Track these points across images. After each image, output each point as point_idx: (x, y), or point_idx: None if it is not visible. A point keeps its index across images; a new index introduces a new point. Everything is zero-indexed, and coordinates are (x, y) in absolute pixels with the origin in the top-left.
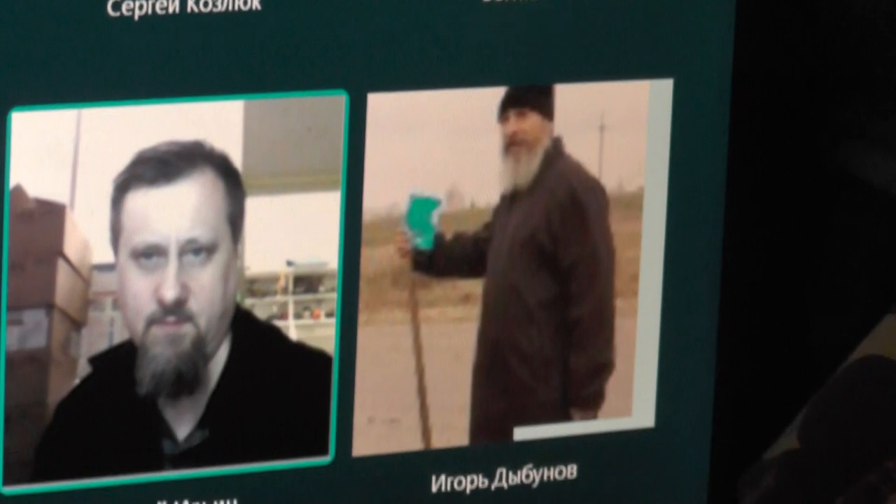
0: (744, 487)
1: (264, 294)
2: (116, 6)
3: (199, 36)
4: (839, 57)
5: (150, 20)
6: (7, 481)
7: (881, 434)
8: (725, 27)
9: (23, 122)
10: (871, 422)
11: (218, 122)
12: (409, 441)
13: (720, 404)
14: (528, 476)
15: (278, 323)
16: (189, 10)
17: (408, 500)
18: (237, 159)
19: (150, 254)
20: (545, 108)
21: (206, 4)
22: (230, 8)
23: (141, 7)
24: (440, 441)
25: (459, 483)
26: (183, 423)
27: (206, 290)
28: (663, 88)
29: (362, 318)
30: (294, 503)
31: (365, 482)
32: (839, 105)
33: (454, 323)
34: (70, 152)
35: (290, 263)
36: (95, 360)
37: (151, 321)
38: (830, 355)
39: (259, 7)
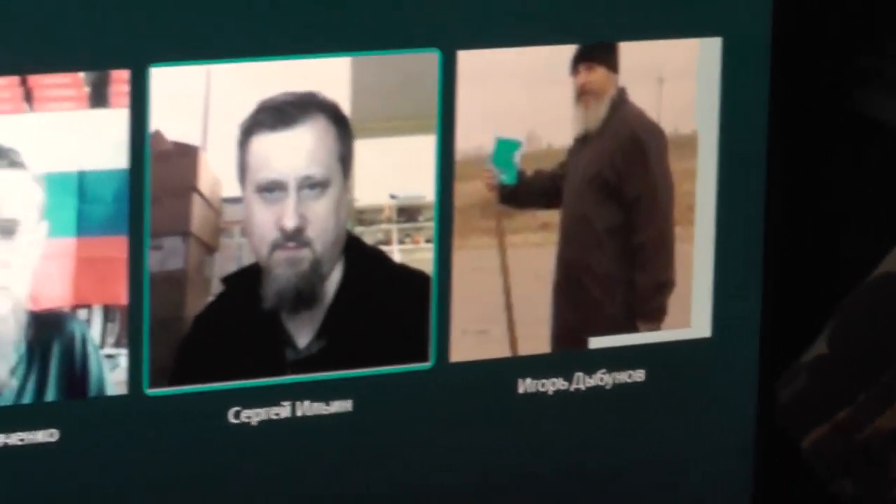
0: (780, 388)
1: (371, 223)
2: None
3: (315, 1)
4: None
5: None
6: (151, 385)
7: None
8: None
9: (161, 76)
10: (890, 329)
11: (329, 75)
12: (497, 349)
13: (766, 315)
14: (601, 380)
15: (384, 248)
16: None
17: (498, 400)
18: (346, 107)
19: (272, 188)
20: (611, 62)
21: None
22: None
23: None
24: (525, 349)
25: (542, 385)
26: (302, 334)
27: (320, 219)
28: (713, 45)
29: (456, 243)
30: (400, 403)
31: (460, 385)
32: (858, 54)
33: (535, 247)
34: (202, 102)
35: (393, 197)
36: (226, 280)
37: (274, 246)
38: (858, 271)
39: None
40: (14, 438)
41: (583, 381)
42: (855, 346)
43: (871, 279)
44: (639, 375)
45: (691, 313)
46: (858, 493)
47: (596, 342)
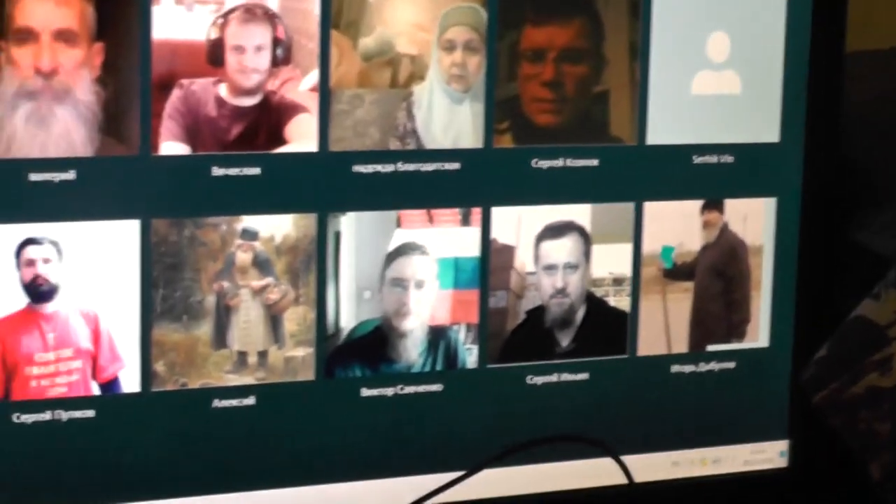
0: (802, 372)
1: (599, 286)
2: None
3: None
4: None
5: None
6: (489, 362)
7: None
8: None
9: (496, 213)
10: (853, 350)
11: (579, 213)
12: (661, 349)
13: (796, 337)
14: (712, 367)
15: (605, 298)
16: None
17: (659, 378)
18: (588, 228)
19: (550, 269)
20: (720, 209)
21: None
22: None
23: None
24: (675, 349)
25: (683, 368)
26: (564, 340)
27: (574, 284)
28: (771, 202)
29: (642, 297)
30: (606, 379)
31: (641, 368)
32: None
33: (681, 301)
34: (516, 223)
35: (610, 273)
36: (528, 312)
37: (551, 297)
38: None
39: None
40: (408, 390)
41: (702, 367)
42: (837, 354)
43: (848, 319)
44: (730, 365)
45: (759, 333)
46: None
47: (709, 348)
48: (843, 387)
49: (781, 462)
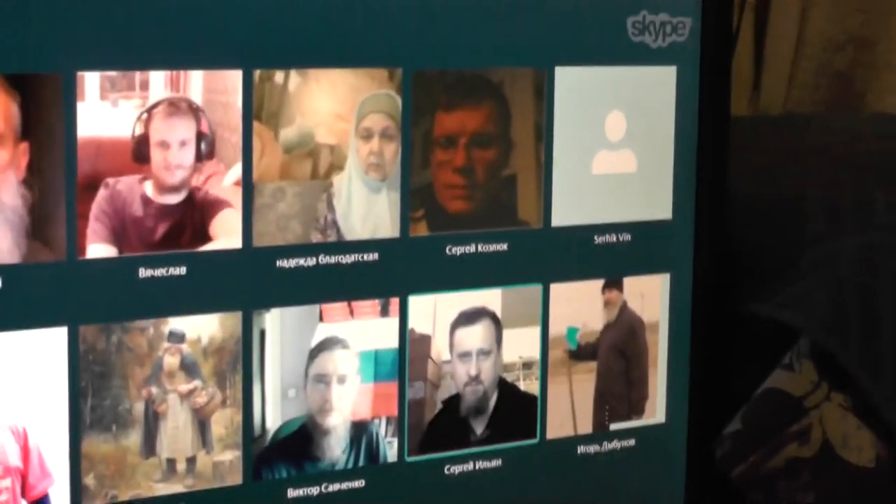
0: (716, 447)
1: (510, 371)
2: None
3: None
4: None
5: None
6: (409, 454)
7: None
8: None
9: (414, 302)
10: (768, 421)
11: (490, 299)
12: (568, 431)
13: (693, 410)
14: (616, 445)
15: (516, 383)
16: None
17: (566, 462)
18: (499, 314)
19: (464, 356)
20: (620, 287)
21: None
22: None
23: None
24: (581, 430)
25: (589, 449)
26: (479, 427)
27: (488, 370)
28: (666, 279)
29: (550, 379)
30: (517, 464)
31: (550, 451)
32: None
33: (586, 381)
34: (432, 315)
35: (520, 357)
36: (444, 402)
37: (466, 384)
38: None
39: None
40: (333, 487)
41: (606, 447)
42: (752, 427)
43: (759, 392)
44: (631, 442)
45: (656, 409)
46: None
47: (614, 426)
48: (761, 460)
49: None
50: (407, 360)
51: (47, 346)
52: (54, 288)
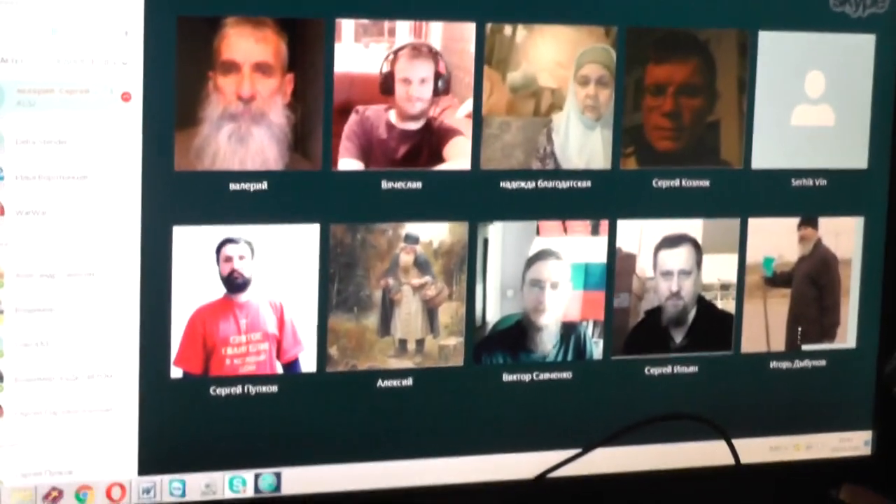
0: (884, 366)
1: (709, 290)
2: None
3: None
4: None
5: None
6: (612, 354)
7: None
8: None
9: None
10: None
11: (692, 227)
12: (761, 347)
13: (883, 339)
14: (807, 364)
15: (714, 301)
16: None
17: (760, 373)
18: (700, 240)
19: (667, 274)
20: (815, 225)
21: None
22: None
23: None
24: (774, 348)
25: (781, 365)
26: (678, 337)
27: (688, 288)
28: (860, 221)
29: (745, 301)
30: (713, 372)
31: (744, 363)
32: None
33: (780, 305)
34: (637, 236)
35: (719, 279)
36: (647, 312)
37: (667, 298)
38: None
39: None
40: (543, 376)
41: (797, 364)
42: None
43: None
44: (822, 363)
45: (847, 335)
46: None
47: (805, 347)
48: None
49: (866, 450)
50: (614, 272)
51: (304, 239)
52: (311, 192)
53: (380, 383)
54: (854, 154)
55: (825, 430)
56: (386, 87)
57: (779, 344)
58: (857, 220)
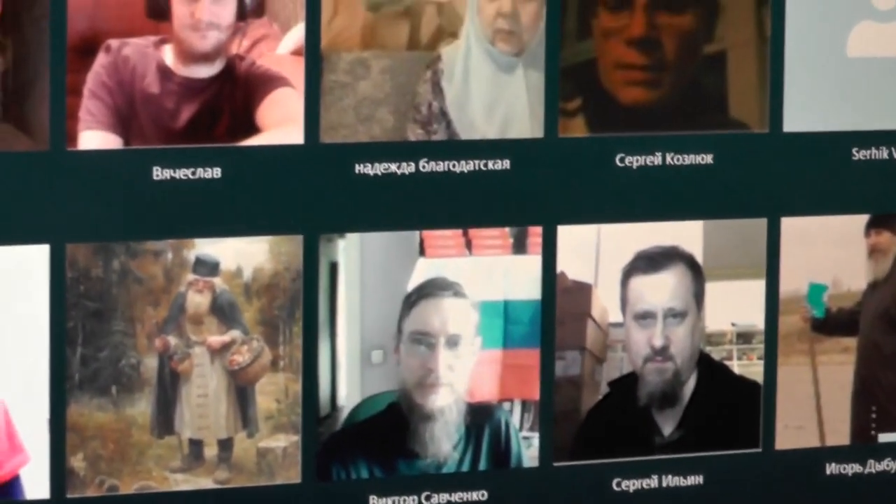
0: None
1: (717, 343)
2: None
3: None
4: None
5: None
6: (556, 459)
7: None
8: None
9: (565, 232)
10: None
11: (687, 233)
12: (810, 440)
13: None
14: (888, 466)
15: (727, 362)
16: None
17: (810, 480)
18: (699, 258)
19: (644, 317)
20: (894, 228)
21: None
22: None
23: None
24: (831, 441)
25: (844, 469)
26: (667, 425)
27: (680, 340)
28: None
29: (780, 361)
30: (736, 480)
31: (781, 466)
32: None
33: (838, 366)
34: (594, 251)
35: (733, 325)
36: (612, 384)
37: (646, 360)
38: None
39: None
40: (438, 499)
41: (873, 467)
42: None
43: None
44: None
45: None
46: None
47: (884, 437)
48: None
49: None
50: (554, 317)
51: (23, 270)
52: (32, 190)
53: None
54: None
55: None
56: (156, 6)
57: (839, 434)
58: None
